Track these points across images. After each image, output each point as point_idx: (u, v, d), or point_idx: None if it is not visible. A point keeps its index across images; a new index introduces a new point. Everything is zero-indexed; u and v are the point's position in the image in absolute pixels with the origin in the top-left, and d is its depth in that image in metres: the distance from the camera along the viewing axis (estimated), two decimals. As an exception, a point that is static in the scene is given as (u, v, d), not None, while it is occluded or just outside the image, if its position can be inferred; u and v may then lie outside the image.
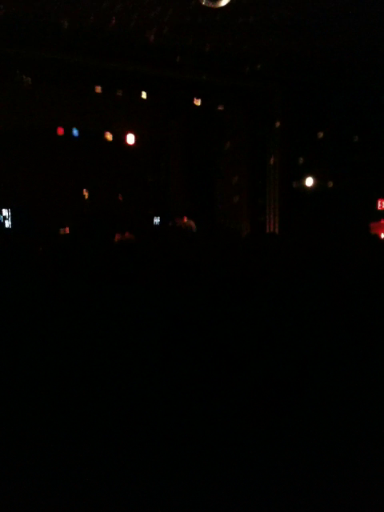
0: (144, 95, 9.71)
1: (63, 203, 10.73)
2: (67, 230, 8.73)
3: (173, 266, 3.50)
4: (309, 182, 10.81)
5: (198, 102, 9.98)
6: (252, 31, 8.11)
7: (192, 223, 9.70)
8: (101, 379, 2.84)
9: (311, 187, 10.85)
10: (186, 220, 9.74)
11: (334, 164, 10.58)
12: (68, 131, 10.72)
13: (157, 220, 11.56)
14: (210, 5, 6.37)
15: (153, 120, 11.44)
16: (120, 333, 2.97)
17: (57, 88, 9.86)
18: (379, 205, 10.70)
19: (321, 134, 10.20)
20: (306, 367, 2.97)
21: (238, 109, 11.06)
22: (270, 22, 7.80)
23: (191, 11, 7.45)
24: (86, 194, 10.64)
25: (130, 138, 11.04)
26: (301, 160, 10.45)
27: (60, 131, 10.67)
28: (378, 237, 7.82)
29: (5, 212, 10.74)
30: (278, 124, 10.41)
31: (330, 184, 10.50)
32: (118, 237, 7.39)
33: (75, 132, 10.87)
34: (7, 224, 10.72)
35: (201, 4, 6.34)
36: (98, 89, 9.29)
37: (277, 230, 10.61)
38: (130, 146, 11.11)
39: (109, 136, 10.59)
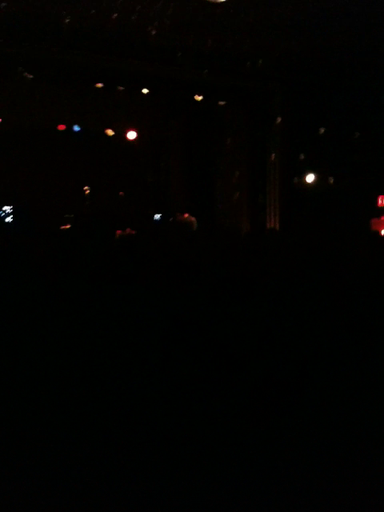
0: (145, 91, 9.69)
1: (63, 201, 10.72)
2: (68, 226, 8.74)
3: (173, 266, 3.50)
4: (309, 179, 10.81)
5: (199, 98, 9.97)
6: (252, 31, 8.10)
7: (193, 219, 9.68)
8: (101, 379, 2.84)
9: (311, 185, 10.86)
10: (187, 216, 9.72)
11: (334, 162, 10.59)
12: (68, 128, 10.70)
13: (157, 216, 11.56)
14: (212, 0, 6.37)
15: (153, 119, 11.44)
16: (120, 333, 2.97)
17: (57, 87, 9.85)
18: (380, 201, 10.71)
19: (321, 133, 10.20)
20: (305, 367, 2.97)
21: (237, 108, 11.06)
22: (271, 22, 7.80)
23: (191, 10, 7.44)
24: (87, 190, 10.65)
25: (131, 136, 11.02)
26: (301, 158, 10.45)
27: (61, 126, 10.65)
28: (378, 233, 7.82)
29: (6, 208, 10.74)
30: (279, 120, 10.41)
31: (331, 180, 10.50)
32: (119, 232, 7.41)
33: (76, 127, 10.84)
34: (8, 219, 10.72)
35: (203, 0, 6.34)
36: (100, 85, 9.28)
37: (277, 227, 10.61)
38: (130, 145, 11.11)
39: (110, 131, 10.58)
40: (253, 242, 5.02)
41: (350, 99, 9.82)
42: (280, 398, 2.84)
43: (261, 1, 7.23)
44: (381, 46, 8.38)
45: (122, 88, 9.58)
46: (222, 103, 10.26)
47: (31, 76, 8.68)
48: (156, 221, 11.47)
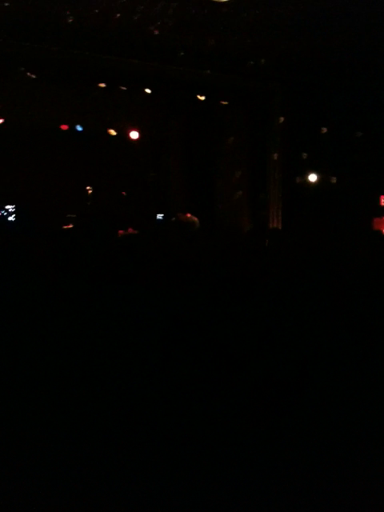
0: (147, 90, 9.68)
1: (64, 200, 10.72)
2: (70, 225, 8.75)
3: (173, 266, 3.50)
4: (310, 179, 10.81)
5: (201, 97, 9.96)
6: (252, 30, 8.10)
7: (195, 219, 9.68)
8: (101, 379, 2.84)
9: (313, 184, 10.86)
10: (189, 216, 9.72)
11: (335, 162, 10.58)
12: (71, 128, 10.68)
13: (160, 216, 11.55)
14: None
15: (153, 119, 11.44)
16: (120, 333, 2.97)
17: (57, 86, 9.84)
18: (382, 201, 10.72)
19: (322, 132, 10.20)
20: (306, 367, 2.97)
21: (238, 108, 11.05)
22: (271, 22, 7.80)
23: (192, 10, 7.44)
24: (89, 190, 10.65)
25: (133, 136, 11.01)
26: (302, 157, 10.45)
27: (64, 126, 10.64)
28: (380, 232, 7.82)
29: (9, 207, 10.74)
30: (281, 119, 10.40)
31: (334, 180, 10.50)
32: (121, 232, 7.42)
33: (79, 127, 10.83)
34: (11, 218, 10.72)
35: None
36: (102, 85, 9.27)
37: (278, 227, 10.61)
38: (130, 144, 11.11)
39: (112, 131, 10.57)
40: (253, 243, 5.02)
41: (350, 99, 9.82)
42: (280, 397, 2.84)
43: (261, 1, 7.23)
44: (381, 46, 8.38)
45: (122, 88, 9.57)
46: (224, 103, 10.25)
47: (34, 76, 8.67)
48: (158, 220, 11.47)
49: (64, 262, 3.67)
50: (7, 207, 10.69)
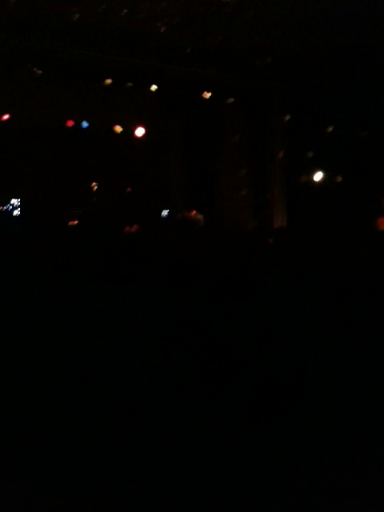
0: (153, 87, 9.66)
1: (65, 198, 10.71)
2: (76, 222, 8.76)
3: (173, 266, 3.50)
4: (313, 178, 10.81)
5: (207, 95, 9.95)
6: (252, 30, 8.10)
7: (200, 217, 9.69)
8: (101, 379, 2.84)
9: (316, 184, 10.85)
10: (194, 213, 9.73)
11: (338, 161, 10.58)
12: (76, 124, 10.65)
13: (165, 213, 11.55)
14: None
15: (154, 117, 11.43)
16: (120, 333, 2.97)
17: (58, 84, 9.82)
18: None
19: (327, 131, 10.19)
20: (306, 367, 2.97)
21: (239, 106, 11.05)
22: (271, 22, 7.80)
23: (191, 10, 7.44)
24: (94, 186, 10.67)
25: (139, 133, 10.98)
26: (304, 156, 10.45)
27: (70, 122, 10.61)
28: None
29: (14, 201, 10.75)
30: (287, 117, 10.39)
31: (339, 179, 10.48)
32: (127, 229, 7.43)
33: (85, 124, 10.80)
34: (16, 213, 10.72)
35: None
36: (108, 81, 9.24)
37: (279, 226, 10.61)
38: (132, 141, 11.09)
39: (118, 128, 10.56)
40: (253, 243, 5.02)
41: (353, 97, 9.82)
42: (280, 397, 2.84)
43: (261, 0, 7.23)
44: (381, 46, 8.37)
45: (124, 85, 9.57)
46: (230, 101, 10.23)
47: (40, 72, 8.65)
48: (163, 217, 11.47)
49: (64, 262, 3.67)
50: (13, 201, 10.70)
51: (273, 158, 10.99)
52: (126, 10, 7.40)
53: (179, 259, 3.72)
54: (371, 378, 2.98)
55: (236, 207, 11.19)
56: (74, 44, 8.47)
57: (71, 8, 7.29)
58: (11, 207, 10.67)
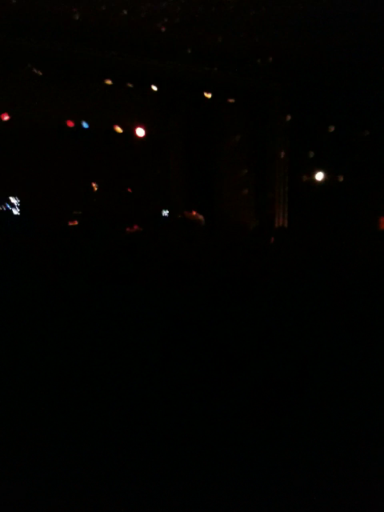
0: (154, 87, 9.65)
1: (67, 198, 10.72)
2: (75, 222, 8.76)
3: (173, 266, 3.50)
4: (316, 177, 10.80)
5: (208, 95, 9.94)
6: (252, 30, 8.10)
7: (201, 217, 9.71)
8: (101, 379, 2.84)
9: (318, 183, 10.85)
10: (195, 213, 9.74)
11: (340, 161, 10.58)
12: (76, 124, 10.65)
13: (165, 213, 11.56)
14: None
15: (154, 117, 11.43)
16: (120, 333, 2.97)
17: (58, 84, 9.82)
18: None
19: (329, 131, 10.19)
20: (305, 367, 2.97)
21: (239, 106, 11.05)
22: (271, 22, 7.80)
23: (191, 10, 7.44)
24: (95, 186, 10.69)
25: (139, 133, 10.98)
26: (305, 156, 10.45)
27: (70, 123, 10.61)
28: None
29: (13, 200, 10.75)
30: (288, 117, 10.39)
31: (340, 178, 10.48)
32: (128, 229, 7.43)
33: (85, 124, 10.80)
34: (15, 212, 10.71)
35: None
36: (109, 82, 9.24)
37: (280, 225, 10.62)
38: (132, 141, 11.09)
39: (118, 128, 10.56)
40: (253, 243, 5.02)
41: (351, 98, 9.82)
42: (280, 397, 2.84)
43: (261, 0, 7.23)
44: (381, 46, 8.37)
45: (124, 85, 9.56)
46: (230, 101, 10.23)
47: (40, 73, 8.64)
48: (164, 217, 11.48)
49: (64, 262, 3.67)
50: (12, 200, 10.70)
51: (273, 158, 10.99)
52: (126, 10, 7.41)
53: (179, 259, 3.72)
54: (371, 378, 2.98)
55: (237, 207, 11.19)
56: (74, 44, 8.46)
57: (71, 8, 7.29)
58: (11, 206, 10.67)
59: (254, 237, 6.19)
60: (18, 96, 9.52)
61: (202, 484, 2.42)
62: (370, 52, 8.71)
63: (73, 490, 2.36)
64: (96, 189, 10.53)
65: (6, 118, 9.68)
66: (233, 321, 3.07)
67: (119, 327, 2.99)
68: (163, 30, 7.89)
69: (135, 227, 7.74)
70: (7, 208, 10.75)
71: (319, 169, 10.84)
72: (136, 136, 10.98)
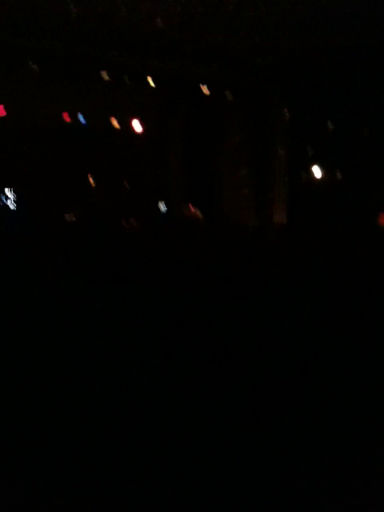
0: (151, 83, 9.62)
1: (65, 193, 10.71)
2: (72, 216, 8.75)
3: (173, 266, 3.50)
4: (315, 175, 10.79)
5: (205, 90, 9.91)
6: (252, 30, 8.09)
7: (199, 214, 9.72)
8: (101, 379, 2.84)
9: (316, 182, 10.85)
10: (193, 210, 9.75)
11: (340, 158, 10.57)
12: (73, 119, 10.63)
13: (164, 208, 11.57)
14: None
15: (153, 119, 11.43)
16: (120, 333, 2.97)
17: (57, 85, 9.82)
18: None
19: (323, 131, 10.19)
20: (306, 367, 2.97)
21: (238, 107, 11.05)
22: (271, 22, 7.79)
23: (191, 10, 7.44)
24: (92, 182, 10.67)
25: (137, 129, 10.94)
26: (305, 153, 10.44)
27: (67, 118, 10.59)
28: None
29: (9, 194, 10.73)
30: (287, 115, 10.37)
31: (339, 175, 10.47)
32: (126, 225, 7.42)
33: (82, 119, 10.76)
34: (12, 206, 10.69)
35: None
36: (106, 77, 9.21)
37: (280, 222, 10.62)
38: (131, 137, 11.06)
39: (115, 123, 10.53)
40: (253, 243, 5.02)
41: (351, 98, 9.81)
42: (280, 397, 2.84)
43: (261, 0, 7.23)
44: (381, 46, 8.37)
45: (124, 85, 9.55)
46: (230, 98, 10.20)
47: (38, 69, 8.62)
48: (163, 212, 11.49)
49: (64, 262, 3.68)
50: (9, 195, 10.68)
51: (273, 158, 10.99)
52: (125, 10, 7.40)
53: (179, 259, 3.72)
54: (371, 378, 2.98)
55: (236, 207, 11.19)
56: (73, 44, 8.46)
57: (71, 8, 7.29)
58: (8, 199, 10.64)
59: (253, 237, 6.19)
60: (17, 95, 9.51)
61: (202, 484, 2.42)
62: (370, 52, 8.70)
63: (73, 490, 2.36)
64: (94, 185, 10.51)
65: (3, 113, 9.66)
66: (233, 321, 3.07)
67: (119, 327, 2.99)
68: (163, 29, 7.89)
69: (132, 221, 7.72)
70: (4, 202, 10.73)
71: (319, 168, 10.83)
72: (135, 132, 10.94)
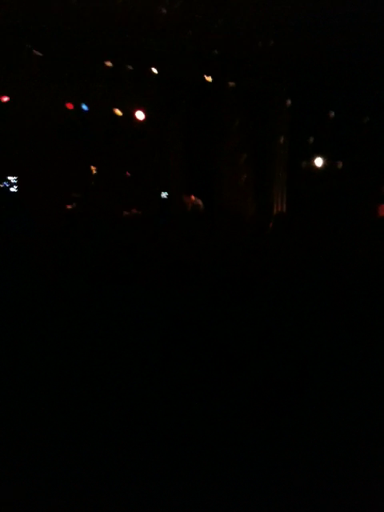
0: (154, 70, 9.57)
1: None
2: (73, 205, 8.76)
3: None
4: (316, 163, 10.80)
5: (208, 78, 9.88)
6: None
7: (199, 201, 9.69)
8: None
9: (316, 175, 10.86)
10: (193, 198, 9.71)
11: (340, 148, 10.57)
12: (75, 107, 10.59)
13: (164, 194, 11.60)
14: None
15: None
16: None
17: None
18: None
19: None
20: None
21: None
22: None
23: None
24: (93, 170, 10.69)
25: (139, 117, 10.91)
26: (306, 142, 10.46)
27: (69, 105, 10.56)
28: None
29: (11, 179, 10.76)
30: (288, 103, 10.35)
31: (340, 165, 10.47)
32: (126, 213, 7.42)
33: (84, 106, 10.74)
34: (13, 189, 10.71)
35: None
36: (109, 64, 9.18)
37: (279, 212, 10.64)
38: (133, 126, 11.05)
39: (118, 111, 10.50)
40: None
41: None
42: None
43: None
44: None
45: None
46: (231, 84, 10.15)
47: (40, 54, 8.59)
48: (163, 199, 11.52)
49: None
50: (9, 179, 10.69)
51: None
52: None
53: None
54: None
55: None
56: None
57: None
58: (8, 184, 10.64)
59: (252, 226, 6.18)
60: (17, 94, 9.51)
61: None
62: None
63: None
64: (95, 172, 10.52)
65: (6, 99, 9.64)
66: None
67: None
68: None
69: (134, 211, 7.72)
70: (5, 185, 10.73)
71: (319, 171, 10.85)
72: (136, 119, 10.88)
